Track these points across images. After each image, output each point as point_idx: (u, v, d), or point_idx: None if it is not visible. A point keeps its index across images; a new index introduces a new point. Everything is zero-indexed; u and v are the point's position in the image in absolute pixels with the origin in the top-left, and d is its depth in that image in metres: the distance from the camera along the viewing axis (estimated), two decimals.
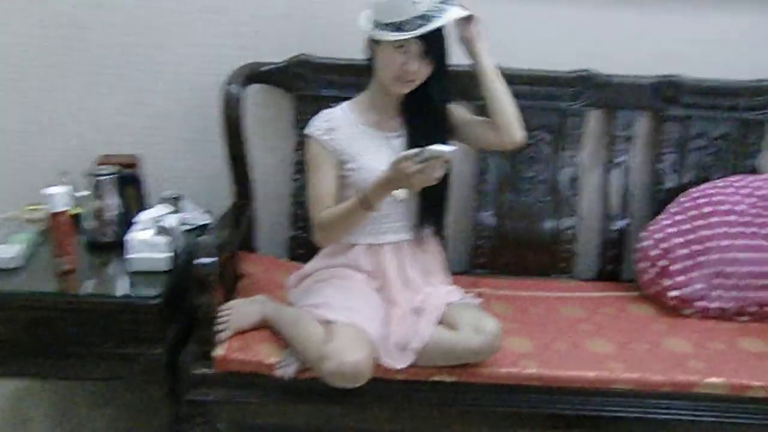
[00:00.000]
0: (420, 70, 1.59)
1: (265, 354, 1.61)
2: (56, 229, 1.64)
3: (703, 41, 2.01)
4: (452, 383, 1.61)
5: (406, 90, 1.63)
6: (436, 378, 1.61)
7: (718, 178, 2.01)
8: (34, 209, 1.89)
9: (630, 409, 1.64)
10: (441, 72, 1.62)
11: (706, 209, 1.90)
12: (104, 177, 1.77)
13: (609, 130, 2.04)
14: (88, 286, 1.67)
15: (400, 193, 1.63)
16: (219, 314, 1.63)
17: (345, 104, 1.74)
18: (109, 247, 1.80)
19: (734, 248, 1.85)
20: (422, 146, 1.47)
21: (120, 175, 1.80)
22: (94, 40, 1.99)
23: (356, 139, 1.68)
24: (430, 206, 1.73)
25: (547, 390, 1.62)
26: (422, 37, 1.54)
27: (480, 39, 1.66)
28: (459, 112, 1.76)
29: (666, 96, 1.99)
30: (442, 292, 1.71)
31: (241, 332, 1.67)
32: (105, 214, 1.79)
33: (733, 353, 1.72)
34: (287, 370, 1.57)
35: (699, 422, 1.65)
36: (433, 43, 1.56)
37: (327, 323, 1.58)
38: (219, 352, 1.60)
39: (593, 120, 2.04)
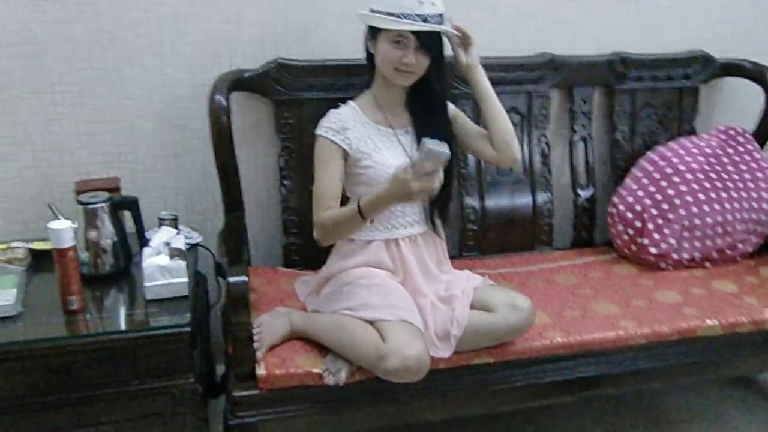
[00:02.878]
0: (418, 63, 1.63)
1: (306, 365, 1.57)
2: (63, 267, 1.49)
3: (640, 18, 2.20)
4: (492, 364, 1.66)
5: (409, 81, 1.67)
6: (477, 361, 1.65)
7: (664, 142, 2.23)
8: (9, 248, 1.72)
9: (644, 360, 1.77)
10: (439, 63, 1.68)
11: (667, 170, 2.10)
12: (97, 205, 1.63)
13: (569, 106, 2.19)
14: (103, 323, 1.53)
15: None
16: (253, 332, 1.57)
17: (351, 102, 1.75)
18: (107, 278, 1.67)
19: (695, 203, 2.06)
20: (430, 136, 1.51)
21: (114, 200, 1.67)
22: (55, 57, 1.82)
23: (368, 137, 1.70)
24: (439, 198, 1.74)
25: (572, 356, 1.72)
26: (418, 34, 1.59)
27: (477, 63, 1.72)
28: (460, 118, 1.81)
29: (617, 72, 2.17)
30: (463, 278, 1.76)
31: (271, 348, 1.61)
32: (99, 245, 1.65)
33: (714, 296, 1.92)
34: (339, 376, 1.54)
35: (701, 362, 1.82)
36: (429, 39, 1.61)
37: (372, 324, 1.56)
38: (261, 371, 1.54)
39: (555, 99, 2.18)
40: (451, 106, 1.80)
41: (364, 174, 1.69)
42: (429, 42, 1.61)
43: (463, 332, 1.60)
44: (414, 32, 1.58)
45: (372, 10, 1.61)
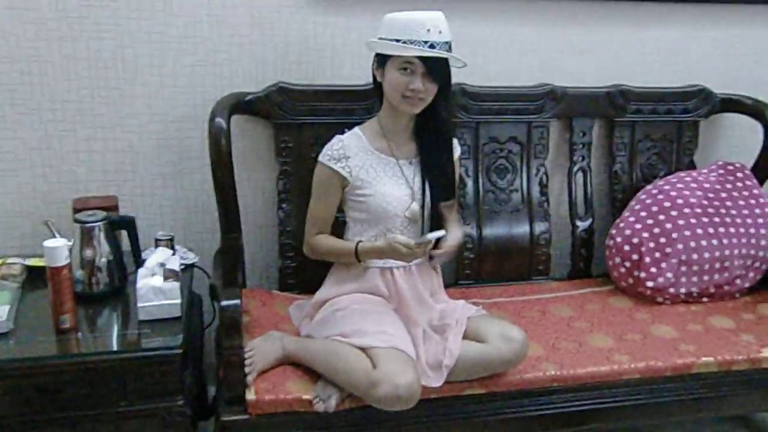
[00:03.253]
0: (426, 89, 1.63)
1: (297, 391, 1.55)
2: (56, 285, 1.48)
3: (641, 53, 2.22)
4: (483, 394, 1.65)
5: (417, 109, 1.67)
6: (468, 392, 1.64)
7: (663, 176, 2.23)
8: (5, 263, 1.71)
9: (638, 396, 1.75)
10: (446, 91, 1.68)
11: (666, 204, 2.09)
12: (94, 224, 1.63)
13: (569, 137, 2.19)
14: (94, 343, 1.52)
15: (410, 212, 1.70)
16: (245, 356, 1.56)
17: (357, 129, 1.75)
18: (101, 297, 1.66)
19: (693, 237, 2.05)
20: (434, 175, 1.69)
21: (111, 219, 1.67)
22: (56, 75, 1.83)
23: (370, 165, 1.70)
24: (437, 224, 1.74)
25: (566, 389, 1.70)
26: (425, 60, 1.60)
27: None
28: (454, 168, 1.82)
29: (616, 104, 2.18)
30: (458, 308, 1.75)
31: (262, 372, 1.60)
32: (95, 264, 1.64)
33: (711, 333, 1.91)
34: (330, 403, 1.52)
35: (697, 399, 1.80)
36: (436, 65, 1.61)
37: (364, 350, 1.55)
38: (251, 395, 1.52)
39: (555, 129, 2.19)
40: (457, 150, 1.80)
41: (363, 201, 1.69)
42: (436, 68, 1.61)
43: (455, 362, 1.58)
44: (421, 59, 1.59)
45: (380, 38, 1.63)
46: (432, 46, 1.58)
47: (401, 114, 1.69)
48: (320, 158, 1.71)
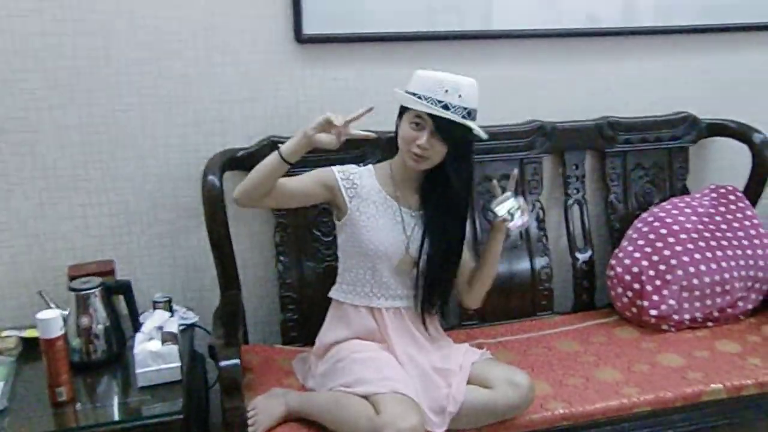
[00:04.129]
0: (432, 148, 1.62)
1: None
2: (51, 357, 1.46)
3: (627, 85, 2.25)
4: None
5: (421, 167, 1.65)
6: None
7: (658, 202, 2.25)
8: (1, 336, 1.70)
9: (649, 429, 1.75)
10: (457, 154, 1.65)
11: (662, 231, 2.10)
12: (89, 290, 1.62)
13: (562, 171, 2.21)
14: (94, 415, 1.49)
15: (403, 266, 1.71)
16: (248, 416, 1.55)
17: (371, 166, 1.78)
18: (98, 365, 1.64)
19: (692, 263, 2.05)
20: (434, 234, 1.69)
21: (106, 285, 1.66)
22: (48, 143, 1.84)
23: (373, 202, 1.71)
24: (431, 285, 1.74)
25: (575, 428, 1.68)
26: (436, 119, 1.59)
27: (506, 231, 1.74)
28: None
29: (606, 135, 2.20)
30: (460, 352, 1.73)
31: (267, 431, 1.57)
32: (92, 331, 1.63)
33: (717, 358, 1.90)
34: None
35: (707, 429, 1.79)
36: (447, 126, 1.60)
37: (367, 398, 1.53)
38: None
39: (547, 164, 2.20)
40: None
41: (357, 234, 1.69)
42: (446, 129, 1.60)
43: (461, 409, 1.57)
44: (432, 116, 1.59)
45: (406, 91, 1.64)
46: (446, 107, 1.58)
47: (410, 167, 1.69)
48: (333, 167, 1.72)
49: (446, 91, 1.58)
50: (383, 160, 1.80)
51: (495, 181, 1.76)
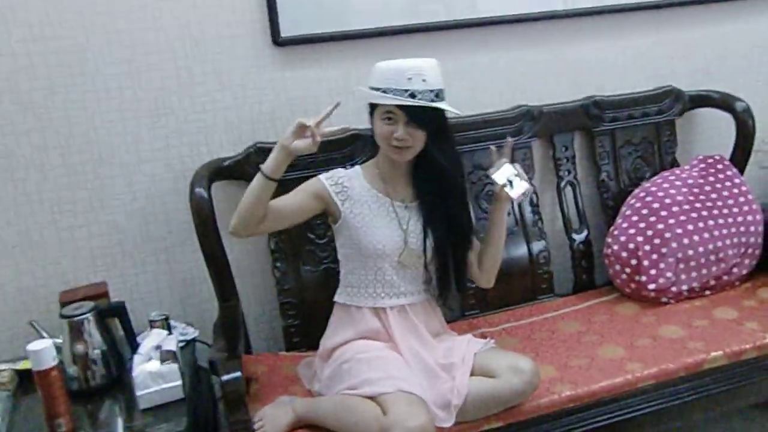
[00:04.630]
0: (411, 137, 1.61)
1: None
2: (46, 389, 1.42)
3: (610, 63, 2.25)
4: (501, 427, 1.63)
5: (405, 157, 1.65)
6: (486, 427, 1.62)
7: (649, 177, 2.26)
8: None
9: (656, 402, 1.76)
10: (437, 137, 1.65)
11: (655, 205, 2.11)
12: (82, 316, 1.59)
13: (552, 154, 2.21)
14: None
15: (405, 261, 1.70)
16: (255, 428, 1.54)
17: (358, 167, 1.77)
18: (98, 391, 1.61)
19: (686, 234, 2.07)
20: (435, 221, 1.67)
21: (99, 309, 1.63)
22: (29, 167, 1.80)
23: (365, 202, 1.70)
24: (442, 276, 1.75)
25: (583, 408, 1.70)
26: (406, 109, 1.58)
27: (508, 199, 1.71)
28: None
29: (592, 115, 2.20)
30: (463, 344, 1.73)
31: None
32: (88, 357, 1.60)
33: (716, 326, 1.92)
34: None
35: (713, 395, 1.81)
36: (419, 113, 1.59)
37: (374, 399, 1.53)
38: None
39: (537, 148, 2.20)
40: None
41: (354, 236, 1.69)
42: (420, 116, 1.59)
43: (465, 401, 1.57)
44: (402, 107, 1.58)
45: (369, 87, 1.62)
46: (413, 95, 1.57)
47: (395, 160, 1.68)
48: (320, 176, 1.71)
49: (409, 78, 1.56)
50: (373, 156, 1.78)
51: (493, 147, 1.74)
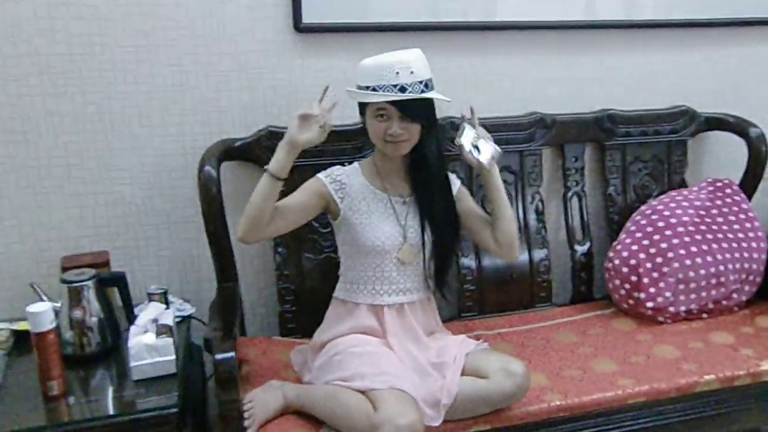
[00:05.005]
0: (407, 131, 1.62)
1: None
2: (42, 351, 1.44)
3: (626, 78, 2.25)
4: (488, 431, 1.63)
5: (402, 151, 1.66)
6: (473, 429, 1.62)
7: (656, 195, 2.26)
8: None
9: (645, 419, 1.76)
10: (430, 129, 1.67)
11: (659, 224, 2.10)
12: (82, 283, 1.60)
13: (562, 163, 2.21)
14: (88, 409, 1.47)
15: (405, 257, 1.70)
16: (244, 409, 1.54)
17: (356, 164, 1.77)
18: (92, 359, 1.62)
19: (688, 255, 2.06)
20: (433, 215, 1.66)
21: (100, 277, 1.63)
22: (41, 131, 1.81)
23: (363, 198, 1.71)
24: (438, 270, 1.76)
25: (572, 419, 1.70)
26: (398, 104, 1.58)
27: (494, 171, 1.69)
28: (465, 200, 1.79)
29: (605, 128, 2.20)
30: (456, 344, 1.73)
31: (264, 424, 1.57)
32: (85, 324, 1.61)
33: (712, 349, 1.92)
34: None
35: (702, 419, 1.81)
36: (412, 107, 1.59)
37: (364, 393, 1.53)
38: None
39: (547, 156, 2.20)
40: (456, 182, 1.79)
41: (353, 233, 1.69)
42: (413, 110, 1.60)
43: (455, 400, 1.57)
44: (394, 103, 1.58)
45: (357, 86, 1.62)
46: (403, 89, 1.57)
47: (391, 156, 1.69)
48: (319, 174, 1.71)
49: (397, 73, 1.56)
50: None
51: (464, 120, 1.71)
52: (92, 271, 1.64)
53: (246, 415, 1.53)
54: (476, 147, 1.65)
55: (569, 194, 2.22)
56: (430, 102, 1.63)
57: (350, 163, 1.79)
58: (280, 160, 1.57)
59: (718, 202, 2.18)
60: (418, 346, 1.71)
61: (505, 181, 2.07)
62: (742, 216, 2.17)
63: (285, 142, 1.58)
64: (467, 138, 1.66)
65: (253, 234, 1.60)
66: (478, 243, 1.85)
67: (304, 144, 1.57)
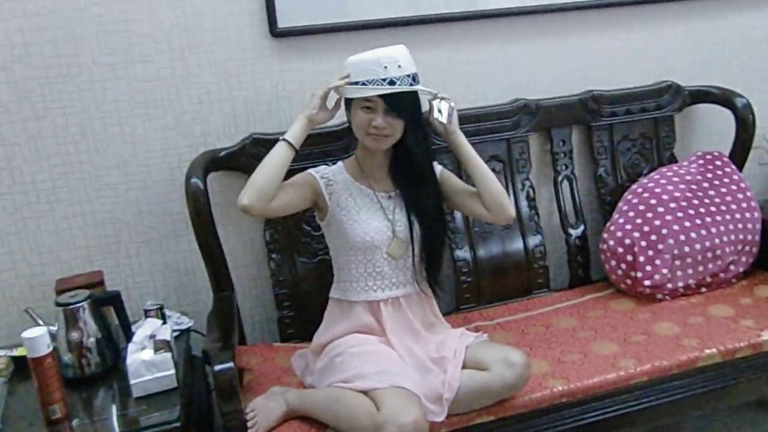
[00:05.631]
0: (390, 126, 1.62)
1: None
2: (41, 376, 1.44)
3: (609, 57, 2.24)
4: (493, 421, 1.64)
5: (383, 145, 1.66)
6: (477, 421, 1.63)
7: (647, 173, 2.25)
8: None
9: (648, 399, 1.76)
10: (414, 124, 1.66)
11: (652, 201, 2.10)
12: (77, 304, 1.60)
13: (550, 148, 2.20)
14: (91, 429, 1.47)
15: (394, 251, 1.70)
16: (247, 418, 1.54)
17: (340, 163, 1.77)
18: (93, 379, 1.63)
19: (682, 230, 2.06)
20: (418, 209, 1.67)
21: (94, 297, 1.64)
22: (25, 156, 1.81)
23: (350, 195, 1.71)
24: (430, 261, 1.76)
25: (575, 403, 1.70)
26: (385, 97, 1.59)
27: (456, 129, 1.69)
28: (448, 179, 1.79)
29: (590, 109, 2.19)
30: (455, 337, 1.73)
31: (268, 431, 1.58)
32: (83, 345, 1.61)
33: (711, 323, 1.92)
34: None
35: (706, 393, 1.81)
36: (398, 101, 1.60)
37: (366, 393, 1.53)
38: None
39: (534, 142, 2.19)
40: (437, 167, 1.79)
41: (342, 230, 1.69)
42: (398, 104, 1.60)
43: (457, 394, 1.58)
44: (382, 96, 1.59)
45: (346, 84, 1.62)
46: (391, 83, 1.57)
47: (374, 151, 1.69)
48: (309, 170, 1.72)
49: (385, 67, 1.57)
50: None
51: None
52: (86, 292, 1.65)
53: (249, 424, 1.53)
54: (440, 111, 1.67)
55: (559, 178, 2.21)
56: (416, 97, 1.64)
57: (335, 163, 1.79)
58: (297, 132, 1.62)
59: (709, 175, 2.18)
60: (417, 341, 1.71)
61: (493, 170, 2.06)
62: (733, 187, 2.17)
63: (304, 116, 1.63)
64: (443, 110, 1.67)
65: (260, 202, 1.57)
66: (473, 216, 1.88)
67: (319, 122, 1.65)
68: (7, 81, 1.75)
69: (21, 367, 1.68)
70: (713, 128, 2.36)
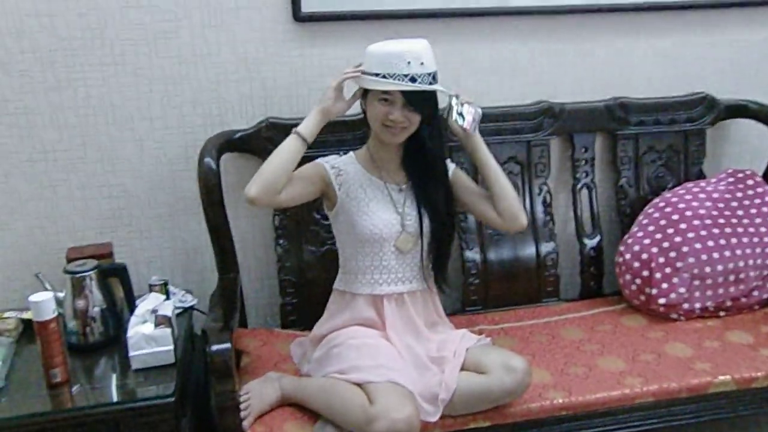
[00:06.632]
0: (406, 119, 1.60)
1: None
2: (44, 339, 1.47)
3: (639, 64, 2.16)
4: (488, 428, 1.60)
5: (398, 138, 1.64)
6: (472, 425, 1.60)
7: (671, 187, 2.17)
8: (2, 318, 1.71)
9: (652, 421, 1.71)
10: (431, 120, 1.65)
11: (674, 217, 2.02)
12: (84, 273, 1.63)
13: (571, 154, 2.14)
14: (89, 396, 1.50)
15: (402, 245, 1.67)
16: (240, 400, 1.54)
17: (351, 153, 1.76)
18: (95, 347, 1.66)
19: (704, 250, 1.98)
20: (429, 204, 1.64)
21: (101, 268, 1.66)
22: (46, 125, 1.84)
23: (360, 186, 1.69)
24: (438, 256, 1.73)
25: (575, 417, 1.66)
26: (406, 93, 1.57)
27: (475, 133, 1.67)
28: (461, 180, 1.77)
29: (617, 117, 2.13)
30: (457, 338, 1.70)
31: (260, 416, 1.57)
32: (88, 313, 1.64)
33: (728, 349, 1.84)
34: None
35: (715, 421, 1.75)
36: (417, 97, 1.58)
37: (361, 386, 1.52)
38: None
39: (555, 147, 2.14)
40: (451, 165, 1.76)
41: (351, 221, 1.68)
42: (417, 100, 1.58)
43: (454, 395, 1.55)
44: (403, 92, 1.56)
45: (363, 72, 1.60)
46: (413, 79, 1.55)
47: (388, 143, 1.67)
48: (318, 160, 1.71)
49: (408, 63, 1.54)
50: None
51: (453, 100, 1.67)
52: (94, 262, 1.68)
53: (242, 406, 1.53)
54: (461, 115, 1.64)
55: (578, 186, 2.15)
56: (434, 94, 1.61)
57: (346, 153, 1.77)
58: (310, 126, 1.60)
59: (739, 194, 2.09)
60: (417, 339, 1.69)
61: (510, 172, 2.07)
62: (765, 209, 2.07)
63: (319, 110, 1.61)
64: (466, 112, 1.64)
65: (267, 195, 1.57)
66: (483, 220, 1.82)
67: (335, 114, 1.62)
68: (33, 50, 1.78)
69: (29, 329, 1.70)
70: (747, 145, 2.27)
